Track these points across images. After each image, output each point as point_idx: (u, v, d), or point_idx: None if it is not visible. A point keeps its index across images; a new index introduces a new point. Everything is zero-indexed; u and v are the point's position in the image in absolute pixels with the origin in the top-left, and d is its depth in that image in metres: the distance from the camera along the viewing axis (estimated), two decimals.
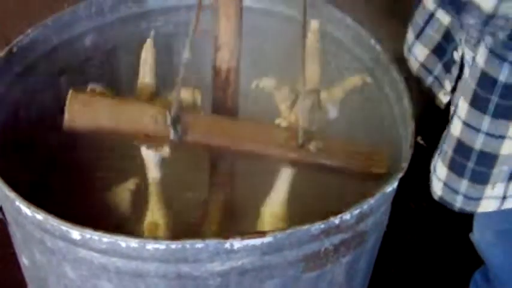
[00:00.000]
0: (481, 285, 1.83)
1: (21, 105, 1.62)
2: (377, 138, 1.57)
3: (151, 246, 1.21)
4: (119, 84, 1.84)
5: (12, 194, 1.27)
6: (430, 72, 1.47)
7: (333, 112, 1.52)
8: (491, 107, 1.22)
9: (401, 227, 2.25)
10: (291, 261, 1.29)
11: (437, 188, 1.38)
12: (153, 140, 1.45)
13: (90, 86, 1.51)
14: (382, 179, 1.42)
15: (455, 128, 1.30)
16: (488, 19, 1.14)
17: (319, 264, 1.33)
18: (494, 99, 1.21)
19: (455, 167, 1.32)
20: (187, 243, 1.21)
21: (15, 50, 1.57)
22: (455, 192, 1.34)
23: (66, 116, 1.42)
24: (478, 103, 1.24)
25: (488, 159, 1.27)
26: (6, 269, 1.99)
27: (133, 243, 1.21)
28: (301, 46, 1.38)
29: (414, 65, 1.51)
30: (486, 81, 1.21)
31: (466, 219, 1.68)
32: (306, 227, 1.24)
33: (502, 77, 1.19)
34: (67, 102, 1.43)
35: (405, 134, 1.43)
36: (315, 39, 1.57)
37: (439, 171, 1.36)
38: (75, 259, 1.28)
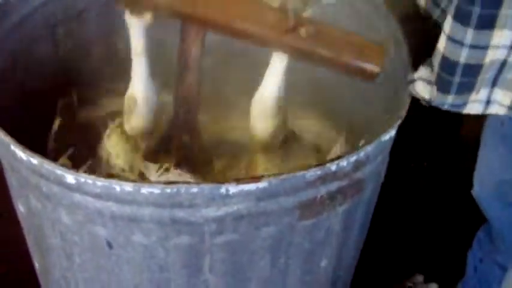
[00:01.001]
0: (484, 242, 1.83)
1: (19, 54, 1.61)
2: (376, 88, 1.55)
3: (145, 190, 1.20)
4: (115, 37, 1.83)
5: (7, 139, 1.26)
6: (437, 5, 1.45)
7: None
8: (474, 18, 1.22)
9: (402, 186, 2.25)
10: (287, 208, 1.28)
11: (424, 93, 1.38)
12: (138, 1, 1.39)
13: None
14: (374, 80, 1.40)
15: (441, 44, 1.30)
16: None
17: (315, 212, 1.32)
18: (477, 10, 1.21)
19: (442, 85, 1.33)
20: (182, 188, 1.20)
21: None
22: (442, 104, 1.35)
23: None
24: (460, 16, 1.24)
25: (473, 70, 1.29)
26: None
27: (127, 187, 1.20)
28: None
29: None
30: None
31: (467, 178, 1.68)
32: (301, 172, 1.23)
33: None
34: None
35: (404, 83, 1.41)
36: None
37: (422, 88, 1.38)
38: (70, 204, 1.27)
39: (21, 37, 1.60)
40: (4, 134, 1.27)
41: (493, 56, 1.27)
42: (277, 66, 1.44)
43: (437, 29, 1.44)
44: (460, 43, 1.26)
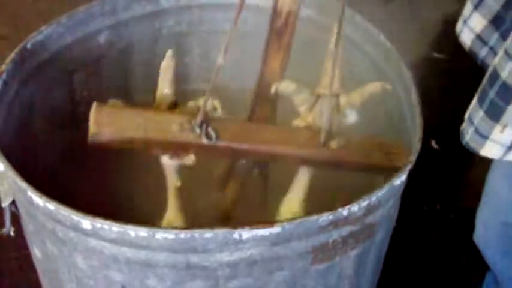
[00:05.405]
0: (491, 287, 1.82)
1: (36, 100, 1.64)
2: (386, 133, 1.57)
3: (160, 235, 1.21)
4: (132, 83, 1.86)
5: (24, 185, 1.29)
6: (485, 43, 1.45)
7: (351, 117, 1.51)
8: None
9: (415, 229, 2.26)
10: (300, 252, 1.30)
11: (467, 130, 1.37)
12: (182, 148, 1.44)
13: (110, 101, 1.49)
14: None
15: (497, 57, 1.29)
16: None
17: (327, 256, 1.33)
18: None
19: (481, 95, 1.31)
20: (196, 233, 1.21)
21: (29, 46, 1.59)
22: (471, 122, 1.33)
23: (92, 129, 1.38)
24: None
25: (508, 92, 1.25)
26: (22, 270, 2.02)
27: (142, 232, 1.22)
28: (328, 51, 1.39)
29: (468, 37, 1.48)
30: None
31: None
32: (314, 217, 1.25)
33: None
34: (91, 115, 1.39)
35: (414, 128, 1.43)
36: (331, 41, 1.54)
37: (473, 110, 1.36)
38: (86, 249, 1.29)
39: (39, 84, 1.63)
40: (21, 180, 1.29)
41: None
42: (305, 177, 1.49)
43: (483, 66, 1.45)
44: (510, 56, 1.24)
